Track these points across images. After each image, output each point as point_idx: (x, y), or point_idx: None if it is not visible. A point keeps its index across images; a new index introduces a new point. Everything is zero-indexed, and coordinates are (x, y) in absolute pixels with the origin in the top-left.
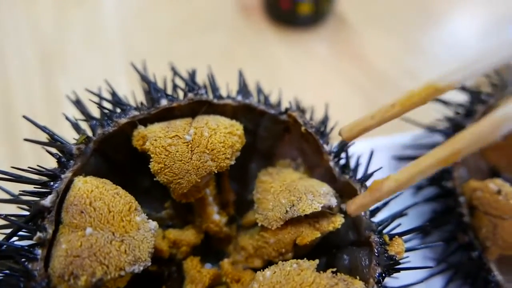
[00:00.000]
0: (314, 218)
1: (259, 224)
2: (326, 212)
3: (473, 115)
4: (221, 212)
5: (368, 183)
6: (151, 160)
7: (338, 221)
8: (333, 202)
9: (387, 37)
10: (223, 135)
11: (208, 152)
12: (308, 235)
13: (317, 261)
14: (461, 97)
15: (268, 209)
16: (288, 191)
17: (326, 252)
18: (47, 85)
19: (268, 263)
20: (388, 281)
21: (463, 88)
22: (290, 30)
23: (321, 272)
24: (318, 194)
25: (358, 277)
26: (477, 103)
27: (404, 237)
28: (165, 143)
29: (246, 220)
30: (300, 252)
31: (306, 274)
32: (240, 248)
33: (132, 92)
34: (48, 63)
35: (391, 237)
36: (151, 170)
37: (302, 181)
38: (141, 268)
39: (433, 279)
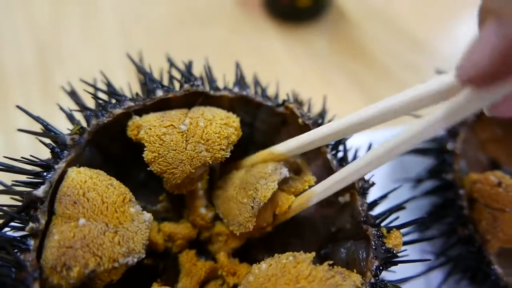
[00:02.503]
0: (286, 185)
1: (237, 234)
2: (295, 177)
3: None
4: (209, 206)
5: (366, 176)
6: (145, 149)
7: (311, 179)
8: (284, 172)
9: (387, 31)
10: (218, 126)
11: (203, 142)
12: (284, 202)
13: (313, 253)
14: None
15: (236, 215)
16: (243, 189)
17: (324, 245)
18: (43, 78)
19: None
20: (386, 274)
21: None
22: (289, 23)
23: (318, 265)
24: (268, 175)
25: (355, 270)
26: None
27: (402, 231)
28: (159, 132)
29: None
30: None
31: (302, 267)
32: (216, 234)
33: (128, 84)
34: (44, 55)
35: (389, 230)
36: (145, 159)
37: (249, 173)
38: (135, 260)
39: (432, 273)
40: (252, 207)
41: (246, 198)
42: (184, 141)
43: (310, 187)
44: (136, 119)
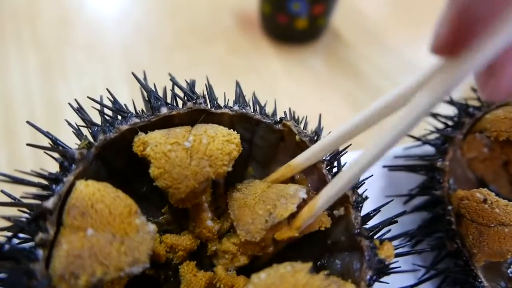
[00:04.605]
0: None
1: (243, 240)
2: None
3: (460, 127)
4: (215, 219)
5: (359, 190)
6: (151, 165)
7: (327, 221)
8: (302, 195)
9: (380, 53)
10: (221, 142)
11: (206, 158)
12: (284, 233)
13: (310, 263)
14: (450, 110)
15: (248, 223)
16: (262, 201)
17: (320, 256)
18: (47, 93)
19: (253, 259)
20: (379, 286)
21: (451, 102)
22: (287, 44)
23: (314, 274)
24: (289, 196)
25: (350, 280)
26: (465, 116)
27: (395, 244)
28: (165, 149)
29: (225, 226)
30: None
31: (299, 276)
32: (223, 252)
33: (132, 101)
34: (49, 72)
35: (382, 241)
36: (151, 175)
37: (272, 189)
38: (140, 269)
39: (423, 285)
40: (266, 220)
41: (262, 210)
42: (189, 157)
43: (324, 227)
44: (141, 135)
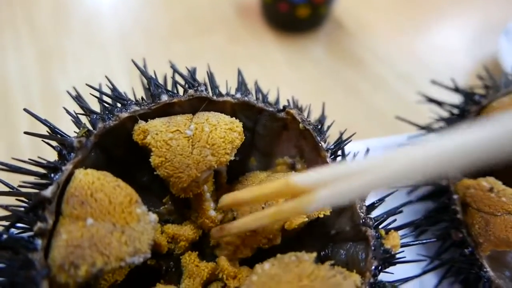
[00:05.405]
0: None
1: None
2: None
3: (466, 115)
4: (218, 209)
5: None
6: (151, 154)
7: (327, 209)
8: None
9: (382, 42)
10: (223, 130)
11: (208, 146)
12: (296, 219)
13: (315, 253)
14: (455, 98)
15: (246, 211)
16: None
17: (323, 247)
18: (45, 83)
19: (257, 252)
20: (383, 276)
21: (457, 89)
22: (288, 32)
23: (319, 264)
24: None
25: (354, 271)
26: (471, 104)
27: (399, 234)
28: (166, 137)
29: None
30: (288, 236)
31: (304, 266)
32: (226, 243)
33: (131, 89)
34: (47, 61)
35: (387, 231)
36: (152, 163)
37: (270, 177)
38: (141, 260)
39: (427, 275)
40: (263, 208)
41: None
42: (190, 146)
43: (325, 216)
44: (142, 124)
